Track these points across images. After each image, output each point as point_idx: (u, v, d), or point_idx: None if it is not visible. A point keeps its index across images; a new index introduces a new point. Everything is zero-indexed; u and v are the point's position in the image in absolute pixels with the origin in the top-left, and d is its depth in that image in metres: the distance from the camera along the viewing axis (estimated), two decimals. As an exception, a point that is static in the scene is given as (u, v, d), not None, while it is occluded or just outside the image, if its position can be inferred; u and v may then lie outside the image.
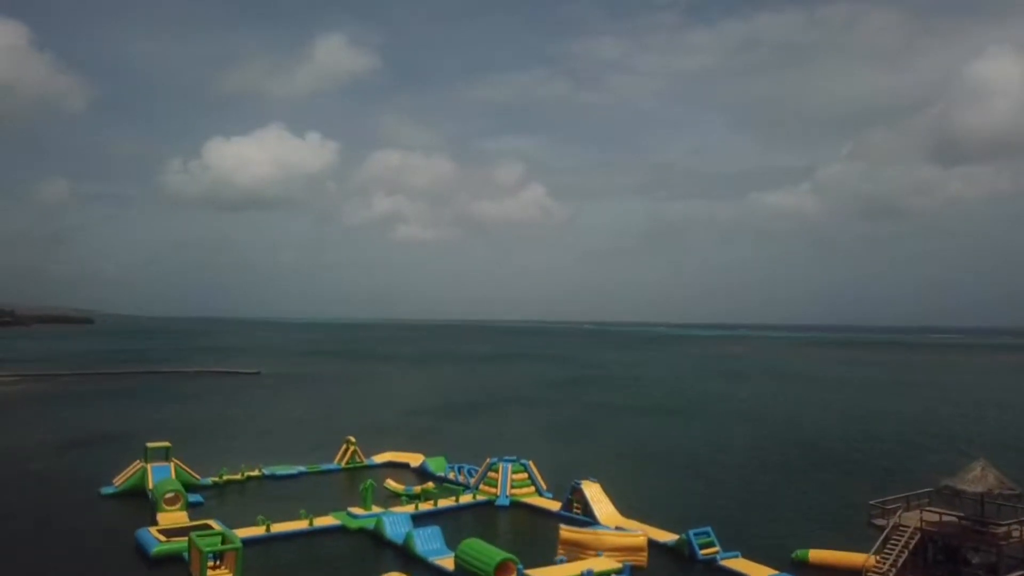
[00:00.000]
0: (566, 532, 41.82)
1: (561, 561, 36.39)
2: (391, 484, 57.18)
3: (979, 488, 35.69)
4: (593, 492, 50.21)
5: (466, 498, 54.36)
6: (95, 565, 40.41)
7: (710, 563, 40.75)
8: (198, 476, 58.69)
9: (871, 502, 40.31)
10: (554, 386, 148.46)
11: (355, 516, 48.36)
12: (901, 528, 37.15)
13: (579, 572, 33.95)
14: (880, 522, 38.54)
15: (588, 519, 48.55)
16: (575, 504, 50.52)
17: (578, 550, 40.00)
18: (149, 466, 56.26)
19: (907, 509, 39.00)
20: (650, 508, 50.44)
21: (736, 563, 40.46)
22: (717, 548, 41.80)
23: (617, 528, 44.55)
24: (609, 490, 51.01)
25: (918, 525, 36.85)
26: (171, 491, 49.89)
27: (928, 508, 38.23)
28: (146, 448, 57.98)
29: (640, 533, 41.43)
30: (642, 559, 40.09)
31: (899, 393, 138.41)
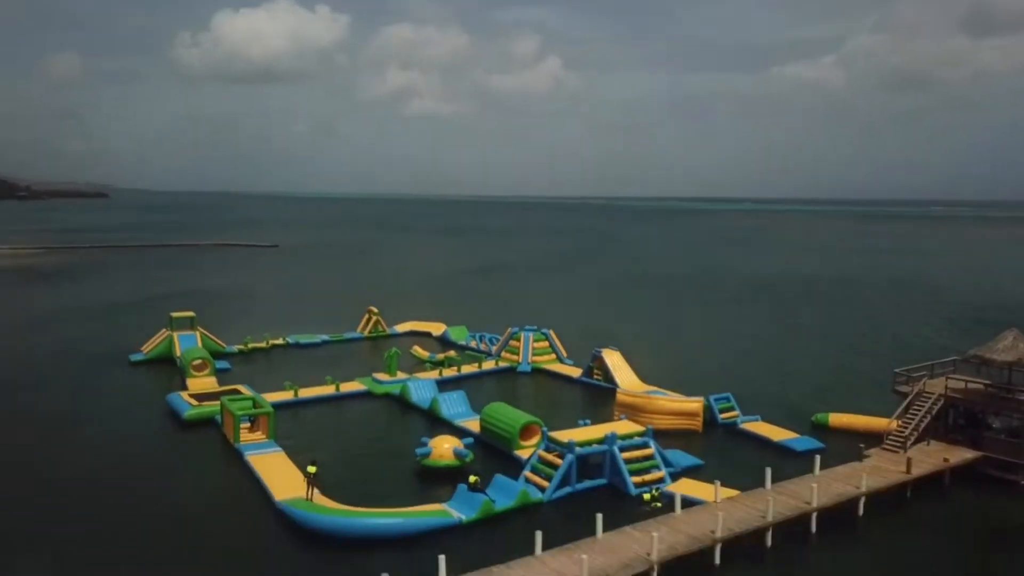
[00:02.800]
0: (622, 396, 42.56)
1: (584, 423, 36.88)
2: (418, 351, 57.50)
3: (1008, 357, 35.37)
4: (614, 360, 50.61)
5: (488, 365, 55.12)
6: (132, 428, 41.54)
7: (730, 427, 41.41)
8: (224, 344, 59.62)
9: (896, 370, 40.27)
10: (571, 257, 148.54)
11: (380, 382, 49.21)
12: (925, 394, 37.21)
13: (602, 435, 34.36)
14: (904, 389, 38.62)
15: (609, 385, 49.24)
16: (596, 371, 51.08)
17: (633, 413, 40.74)
18: (175, 334, 57.14)
19: (932, 377, 38.99)
20: (670, 375, 50.91)
21: (756, 426, 41.09)
22: (737, 412, 42.39)
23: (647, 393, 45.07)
24: (629, 357, 51.44)
25: (942, 391, 36.88)
26: (199, 358, 50.72)
27: (953, 375, 38.17)
28: (171, 317, 58.68)
29: (696, 399, 42.12)
30: (697, 423, 40.94)
31: (920, 264, 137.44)
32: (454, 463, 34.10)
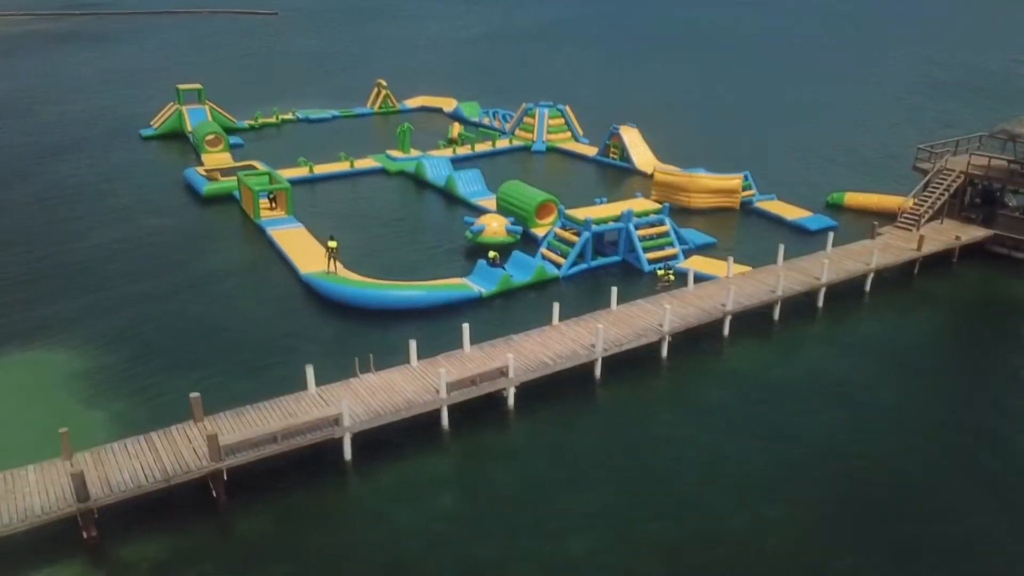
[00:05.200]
0: (660, 175, 42.32)
1: (601, 201, 37.03)
2: (457, 128, 55.96)
3: (1038, 132, 34.51)
4: (631, 137, 49.71)
5: (502, 143, 54.32)
6: (153, 204, 41.99)
7: (746, 205, 41.50)
8: (234, 119, 58.58)
9: (919, 146, 39.52)
10: (587, 27, 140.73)
11: (395, 159, 48.87)
12: (945, 172, 36.77)
13: (619, 212, 34.60)
14: (925, 166, 38.13)
15: (625, 164, 48.85)
16: (612, 149, 50.39)
17: (672, 191, 40.81)
18: (184, 108, 56.04)
19: (955, 154, 38.31)
20: (688, 154, 50.12)
21: (771, 205, 41.18)
22: (754, 191, 42.26)
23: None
24: (647, 136, 50.50)
25: (963, 168, 36.40)
26: (211, 133, 50.10)
27: (978, 152, 37.45)
28: (177, 90, 57.17)
29: (736, 175, 41.78)
30: (736, 201, 41.09)
31: (954, 39, 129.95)
32: (508, 239, 34.93)
